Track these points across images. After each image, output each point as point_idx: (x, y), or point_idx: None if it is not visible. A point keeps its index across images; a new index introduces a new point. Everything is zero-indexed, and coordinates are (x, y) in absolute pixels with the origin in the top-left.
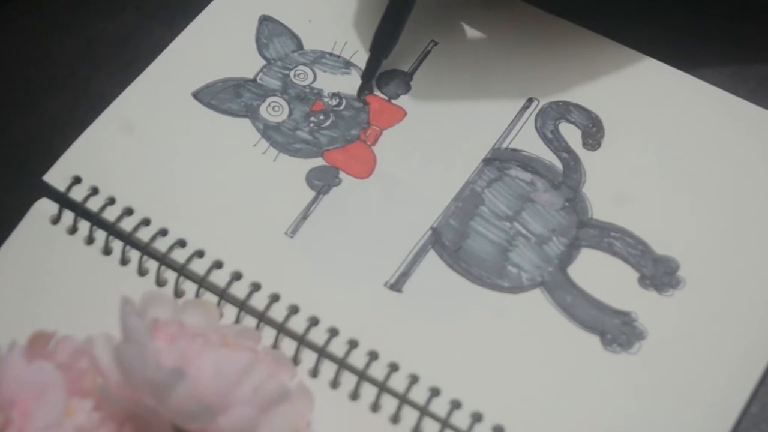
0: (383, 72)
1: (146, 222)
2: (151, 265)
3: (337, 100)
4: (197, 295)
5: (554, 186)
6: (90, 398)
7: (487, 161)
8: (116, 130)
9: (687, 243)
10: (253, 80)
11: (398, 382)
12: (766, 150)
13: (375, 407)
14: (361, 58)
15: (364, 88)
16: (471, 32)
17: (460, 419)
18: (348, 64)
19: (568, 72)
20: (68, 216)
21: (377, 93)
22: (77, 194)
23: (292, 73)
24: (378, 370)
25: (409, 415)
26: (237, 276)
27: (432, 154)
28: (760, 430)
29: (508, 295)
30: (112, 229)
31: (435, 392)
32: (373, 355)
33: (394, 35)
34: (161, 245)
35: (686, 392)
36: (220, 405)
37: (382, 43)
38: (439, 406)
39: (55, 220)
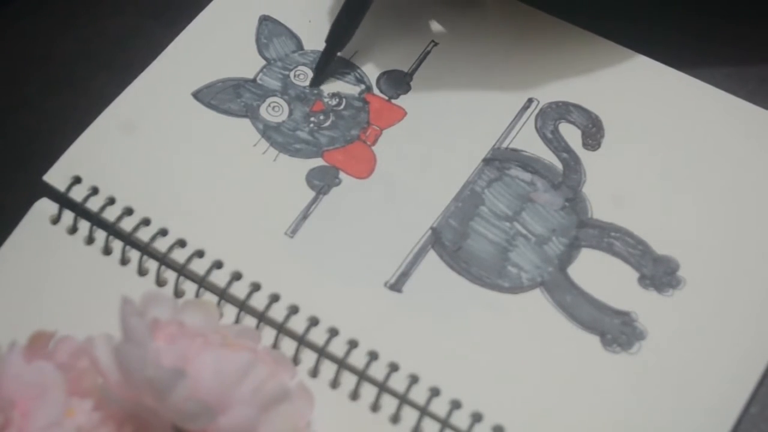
0: (383, 72)
1: (146, 222)
2: (151, 265)
3: (337, 100)
4: (197, 295)
5: (554, 186)
6: (90, 398)
7: (487, 161)
8: (116, 130)
9: (687, 243)
10: (253, 80)
11: (398, 382)
12: (766, 150)
13: (375, 407)
14: (362, 59)
15: (317, 80)
16: (471, 32)
17: (460, 419)
18: (348, 64)
19: (567, 72)
20: (68, 216)
21: (377, 93)
22: (77, 194)
23: (292, 74)
24: (378, 370)
25: (409, 415)
26: (237, 276)
27: (432, 154)
28: (760, 430)
29: (508, 295)
30: (112, 229)
31: (435, 392)
32: (373, 355)
33: (350, 29)
34: (161, 245)
35: (686, 392)
36: (220, 405)
37: (338, 35)
38: (439, 406)
39: (55, 220)
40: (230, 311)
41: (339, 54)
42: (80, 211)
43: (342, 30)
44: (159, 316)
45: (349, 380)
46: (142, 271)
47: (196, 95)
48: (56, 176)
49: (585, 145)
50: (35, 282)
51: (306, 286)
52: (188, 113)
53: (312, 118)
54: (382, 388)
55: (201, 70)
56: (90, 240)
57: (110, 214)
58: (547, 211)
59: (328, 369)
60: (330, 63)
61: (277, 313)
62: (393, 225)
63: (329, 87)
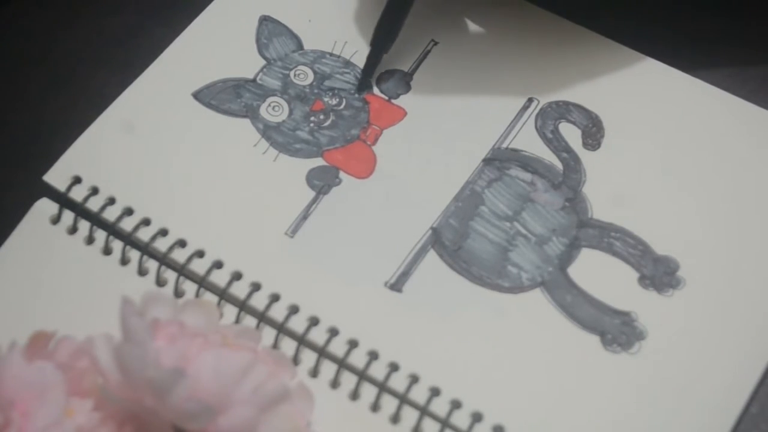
0: (383, 72)
1: (146, 222)
2: (151, 265)
3: (337, 99)
4: (197, 295)
5: (554, 186)
6: (90, 398)
7: (487, 161)
8: (116, 130)
9: (687, 243)
10: (253, 80)
11: (398, 382)
12: (766, 150)
13: (375, 407)
14: (361, 58)
15: (365, 84)
16: (471, 32)
17: (460, 419)
18: (348, 64)
19: (568, 72)
20: (68, 216)
21: (377, 93)
22: (77, 194)
23: (292, 73)
24: (378, 370)
25: (409, 415)
26: (237, 276)
27: (432, 154)
28: (760, 430)
29: (508, 295)
30: (112, 229)
31: (435, 392)
32: (373, 355)
33: (394, 30)
34: (161, 245)
35: (686, 392)
36: (220, 405)
37: (383, 37)
38: (439, 406)
39: (55, 220)
40: (230, 311)
41: (339, 54)
42: (80, 211)
43: (385, 31)
44: (159, 316)
45: (349, 380)
46: (142, 271)
47: (196, 95)
48: (56, 176)
49: (585, 145)
50: (35, 282)
51: (306, 286)
52: (188, 113)
53: (312, 118)
54: (382, 388)
55: (201, 70)
56: (90, 240)
57: (110, 214)
58: (547, 211)
59: (328, 369)
60: (376, 66)
61: (277, 313)
62: (393, 225)
63: (329, 86)
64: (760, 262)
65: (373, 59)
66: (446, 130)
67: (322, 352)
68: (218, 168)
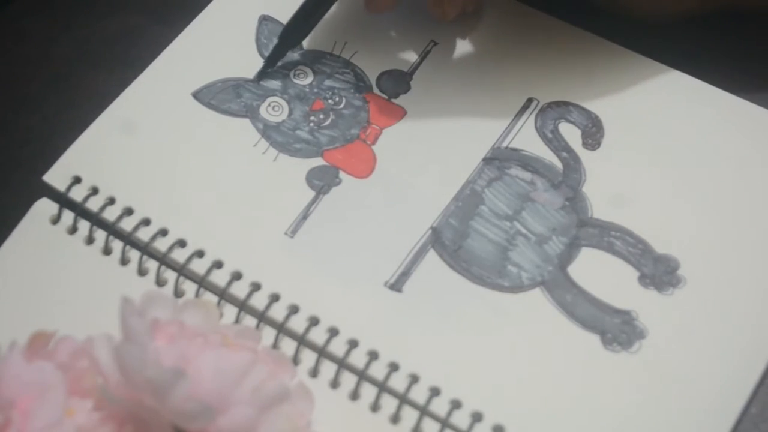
0: (383, 71)
1: (146, 222)
2: (151, 265)
3: (337, 98)
4: (197, 295)
5: (554, 185)
6: (90, 398)
7: (487, 160)
8: (116, 130)
9: (687, 242)
10: (253, 80)
11: (398, 382)
12: (766, 150)
13: (375, 407)
14: (362, 59)
15: (264, 73)
16: (471, 32)
17: (460, 419)
18: (348, 64)
19: (568, 72)
20: (68, 216)
21: (377, 92)
22: (77, 194)
23: (291, 73)
24: (378, 370)
25: (409, 415)
26: (237, 276)
27: (432, 153)
28: (760, 430)
29: (509, 295)
30: (112, 229)
31: (435, 392)
32: (373, 355)
33: (305, 27)
34: (161, 245)
35: (686, 392)
36: (220, 405)
37: (293, 33)
38: (439, 406)
39: (55, 220)
40: (230, 311)
41: (339, 54)
42: (80, 211)
43: (296, 27)
44: (159, 316)
45: (349, 380)
46: (142, 271)
47: (196, 95)
48: (56, 176)
49: (585, 145)
50: (35, 282)
51: (306, 286)
52: (188, 113)
53: (312, 117)
54: (382, 388)
55: (201, 70)
56: (90, 240)
57: (110, 214)
58: (547, 211)
59: (328, 369)
60: (279, 58)
61: (277, 313)
62: (393, 225)
63: (329, 85)
64: (760, 262)
65: (277, 51)
66: (446, 130)
67: (322, 352)
68: (218, 168)
